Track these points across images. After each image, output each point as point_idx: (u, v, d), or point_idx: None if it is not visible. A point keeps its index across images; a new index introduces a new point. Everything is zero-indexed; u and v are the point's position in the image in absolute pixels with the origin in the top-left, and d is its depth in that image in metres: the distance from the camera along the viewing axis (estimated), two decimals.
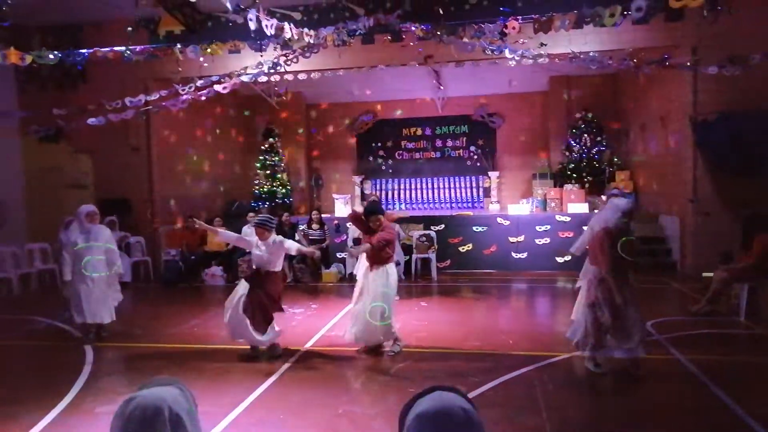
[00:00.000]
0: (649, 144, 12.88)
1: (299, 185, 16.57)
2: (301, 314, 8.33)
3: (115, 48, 8.78)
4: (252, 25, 6.98)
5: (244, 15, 6.90)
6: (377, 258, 6.18)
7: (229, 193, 15.53)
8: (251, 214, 11.59)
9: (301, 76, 11.37)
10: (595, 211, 11.92)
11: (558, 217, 12.03)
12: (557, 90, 15.38)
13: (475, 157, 16.42)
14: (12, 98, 12.00)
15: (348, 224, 10.05)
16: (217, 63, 10.58)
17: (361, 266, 6.93)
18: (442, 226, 12.10)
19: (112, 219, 10.63)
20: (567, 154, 14.72)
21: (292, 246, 6.43)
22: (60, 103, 10.58)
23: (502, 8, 9.70)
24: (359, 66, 11.04)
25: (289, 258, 10.84)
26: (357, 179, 16.65)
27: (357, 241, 9.87)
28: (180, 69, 10.07)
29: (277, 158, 15.72)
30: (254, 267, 6.29)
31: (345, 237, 12.00)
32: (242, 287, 6.14)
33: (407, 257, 11.22)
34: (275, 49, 9.35)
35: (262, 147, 15.83)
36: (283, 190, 15.54)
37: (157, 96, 9.46)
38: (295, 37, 7.85)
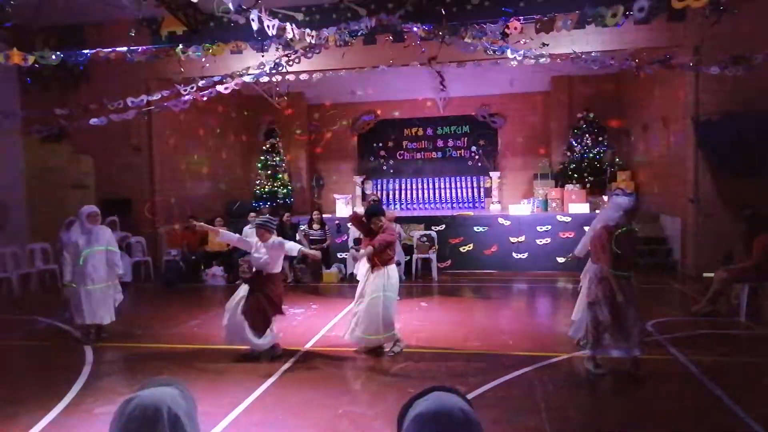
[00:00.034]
0: (650, 144, 12.87)
1: (298, 185, 16.57)
2: (301, 314, 8.34)
3: (118, 48, 8.79)
4: (254, 26, 6.98)
5: (246, 15, 6.91)
6: (378, 259, 6.18)
7: (231, 193, 15.54)
8: (252, 214, 11.60)
9: (303, 77, 11.37)
10: (597, 211, 11.93)
11: (559, 218, 12.02)
12: (559, 90, 15.38)
13: (477, 157, 16.42)
14: (14, 98, 12.02)
15: (348, 224, 10.05)
16: (219, 63, 10.59)
17: (361, 267, 6.93)
18: (443, 226, 12.10)
19: (113, 219, 10.64)
20: (568, 154, 14.71)
21: (294, 247, 6.43)
22: (62, 103, 10.60)
23: (503, 8, 9.69)
24: (361, 66, 11.04)
25: (289, 258, 10.85)
26: (358, 179, 16.67)
27: (358, 241, 9.86)
28: (182, 69, 10.08)
29: (278, 158, 15.74)
30: (254, 269, 6.29)
31: (346, 237, 12.01)
32: (243, 290, 6.15)
33: (408, 257, 11.22)
34: (277, 49, 9.35)
35: (264, 147, 15.84)
36: (284, 191, 15.56)
37: (159, 96, 9.47)
38: (297, 38, 7.85)
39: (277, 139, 15.92)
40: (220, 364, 6.03)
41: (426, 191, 16.64)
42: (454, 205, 16.16)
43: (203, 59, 9.44)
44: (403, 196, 16.72)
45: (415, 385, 5.06)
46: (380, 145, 17.00)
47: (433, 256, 11.38)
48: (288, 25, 7.58)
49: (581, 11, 7.75)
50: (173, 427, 1.32)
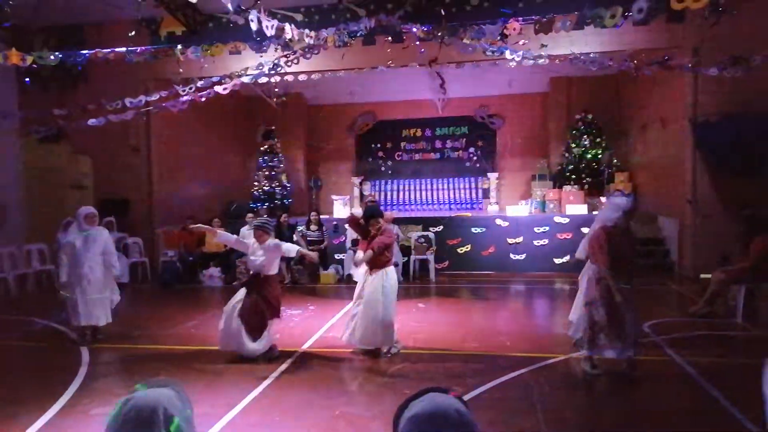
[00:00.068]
0: (648, 145, 12.89)
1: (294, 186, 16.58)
2: (298, 315, 8.33)
3: (116, 49, 8.79)
4: (253, 26, 6.98)
5: (245, 16, 6.90)
6: (376, 262, 6.17)
7: (228, 194, 15.54)
8: (250, 215, 11.60)
9: (302, 77, 11.38)
10: (594, 212, 11.95)
11: (557, 219, 12.03)
12: (557, 91, 15.40)
13: (475, 158, 16.43)
14: (13, 98, 12.00)
15: (346, 226, 10.05)
16: (218, 64, 10.59)
17: (359, 268, 6.93)
18: (441, 227, 12.11)
19: (110, 220, 10.63)
20: (566, 155, 14.73)
21: (292, 248, 6.43)
22: (60, 103, 10.59)
23: (502, 9, 9.70)
24: (360, 67, 11.05)
25: (286, 259, 10.84)
26: (356, 180, 16.67)
27: (356, 242, 9.86)
28: (181, 70, 10.08)
29: (276, 159, 15.74)
30: (251, 272, 6.28)
31: (343, 238, 12.00)
32: (241, 293, 6.16)
33: (405, 258, 11.22)
34: (276, 50, 9.35)
35: (262, 148, 15.84)
36: (282, 191, 15.55)
37: (158, 97, 9.47)
38: (296, 38, 7.85)
39: (276, 139, 15.92)
40: (217, 365, 6.01)
41: (424, 192, 16.66)
42: (452, 206, 16.17)
43: (202, 60, 9.44)
44: (401, 197, 16.73)
45: (413, 387, 5.06)
46: (378, 146, 17.01)
47: (430, 257, 11.38)
48: (287, 26, 7.57)
49: (580, 12, 7.76)
50: (169, 427, 1.31)
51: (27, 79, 11.63)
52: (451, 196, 16.49)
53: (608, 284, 5.23)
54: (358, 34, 8.97)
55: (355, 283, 6.88)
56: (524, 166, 15.85)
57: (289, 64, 9.26)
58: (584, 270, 5.96)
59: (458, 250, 12.07)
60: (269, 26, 7.22)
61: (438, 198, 16.54)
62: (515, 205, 13.13)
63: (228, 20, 10.52)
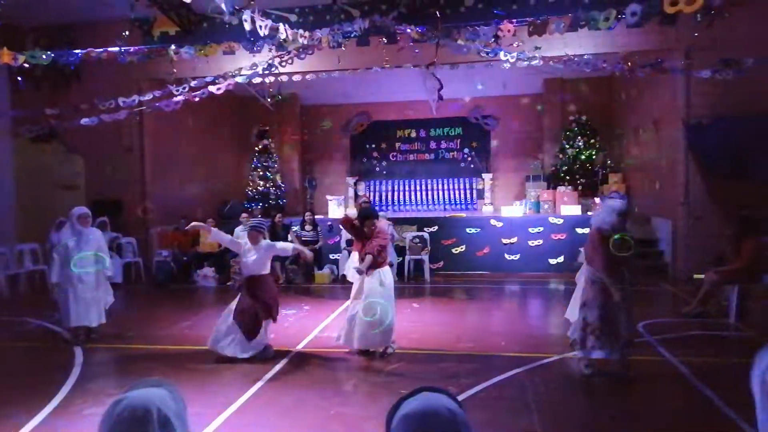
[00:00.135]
0: (642, 146, 12.95)
1: (291, 187, 16.56)
2: (293, 316, 8.32)
3: (109, 48, 8.74)
4: (247, 26, 6.96)
5: (238, 16, 6.89)
6: (373, 263, 6.17)
7: (222, 194, 15.49)
8: (244, 215, 11.57)
9: (296, 78, 11.37)
10: (589, 213, 12.00)
11: (551, 219, 12.07)
12: (551, 92, 15.45)
13: (469, 159, 16.45)
14: (4, 98, 11.92)
15: (340, 226, 10.04)
16: (212, 64, 10.56)
17: (353, 268, 6.92)
18: (436, 227, 12.12)
19: (103, 220, 10.58)
20: (560, 156, 14.78)
21: (287, 246, 6.43)
22: (53, 102, 10.53)
23: (495, 11, 9.72)
24: (354, 68, 11.04)
25: (281, 259, 10.82)
26: (351, 180, 16.66)
27: (350, 243, 9.87)
28: (175, 70, 10.04)
29: (270, 159, 15.71)
30: (245, 275, 6.27)
31: (338, 238, 11.99)
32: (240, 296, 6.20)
33: (400, 259, 11.22)
34: (270, 50, 9.34)
35: (256, 148, 15.81)
36: (277, 192, 15.53)
37: (151, 96, 9.43)
38: (290, 38, 7.84)
39: (270, 140, 15.89)
40: (211, 365, 6.00)
41: (418, 193, 16.66)
42: (447, 206, 16.18)
43: (195, 60, 9.41)
44: (395, 197, 16.72)
45: (407, 386, 5.03)
46: (373, 146, 17.00)
47: (425, 257, 11.39)
48: (281, 26, 7.56)
49: (574, 14, 7.79)
50: (163, 428, 1.31)
51: (19, 78, 11.55)
52: (446, 196, 16.50)
53: (603, 286, 5.25)
54: (352, 35, 8.97)
55: (350, 283, 6.87)
56: (518, 167, 15.89)
57: (283, 64, 9.24)
58: (580, 271, 5.98)
59: (453, 251, 12.09)
60: (263, 26, 7.21)
61: (432, 198, 16.55)
62: (510, 206, 13.16)
63: (222, 20, 10.51)
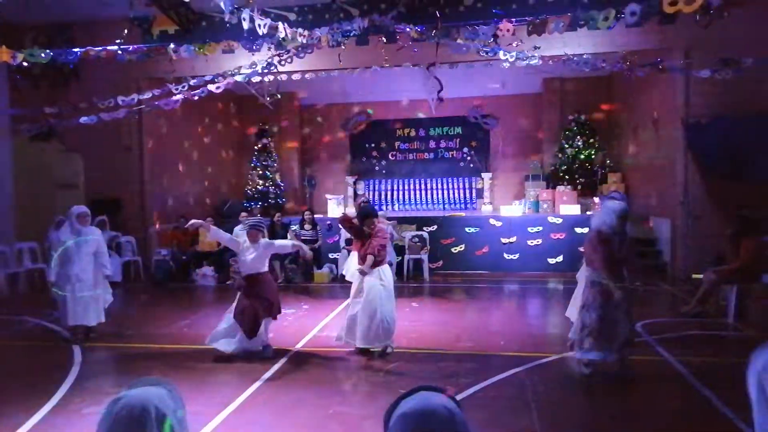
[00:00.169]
0: (641, 146, 12.95)
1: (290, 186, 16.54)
2: (292, 315, 8.31)
3: (108, 47, 8.73)
4: (245, 25, 6.95)
5: (238, 15, 6.88)
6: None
7: (222, 193, 15.49)
8: (243, 214, 11.56)
9: (295, 77, 11.36)
10: (588, 212, 12.01)
11: (550, 219, 12.07)
12: (550, 92, 15.45)
13: (468, 158, 16.45)
14: (3, 96, 11.90)
15: (339, 225, 10.05)
16: (211, 63, 10.55)
17: (351, 267, 6.91)
18: (435, 227, 12.12)
19: (102, 219, 10.57)
20: (559, 155, 14.78)
21: (286, 243, 6.44)
22: (51, 101, 10.52)
23: (494, 11, 9.71)
24: (353, 67, 11.04)
25: (280, 258, 10.82)
26: (350, 180, 16.65)
27: (349, 242, 9.86)
28: (174, 69, 10.03)
29: (270, 158, 15.70)
30: (244, 273, 6.27)
31: (337, 237, 11.99)
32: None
33: (399, 258, 11.22)
34: (269, 49, 9.33)
35: (255, 147, 15.80)
36: (276, 191, 15.52)
37: (150, 95, 9.42)
38: (289, 37, 7.83)
39: (269, 138, 15.89)
40: (210, 364, 6.00)
41: (418, 192, 16.65)
42: (446, 205, 16.18)
43: (194, 58, 9.39)
44: (395, 196, 16.71)
45: (406, 386, 5.03)
46: (372, 145, 16.99)
47: (424, 256, 11.39)
48: (279, 24, 7.56)
49: (573, 14, 7.78)
50: (161, 427, 1.31)
51: (18, 77, 11.54)
52: (445, 195, 16.49)
53: (603, 288, 5.25)
54: (352, 34, 8.95)
55: (349, 282, 6.87)
56: (518, 167, 15.89)
57: (283, 63, 9.23)
58: (580, 272, 5.98)
59: (452, 250, 12.09)
60: (261, 25, 7.20)
61: (432, 198, 16.54)
62: (509, 205, 13.16)
63: (221, 19, 10.48)
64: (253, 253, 6.16)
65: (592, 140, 14.58)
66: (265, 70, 9.35)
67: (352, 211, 11.77)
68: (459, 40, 8.28)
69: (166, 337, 7.18)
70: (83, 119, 9.16)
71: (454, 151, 16.64)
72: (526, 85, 15.11)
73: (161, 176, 12.97)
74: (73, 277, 6.81)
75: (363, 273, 6.14)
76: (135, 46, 9.00)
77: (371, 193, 16.60)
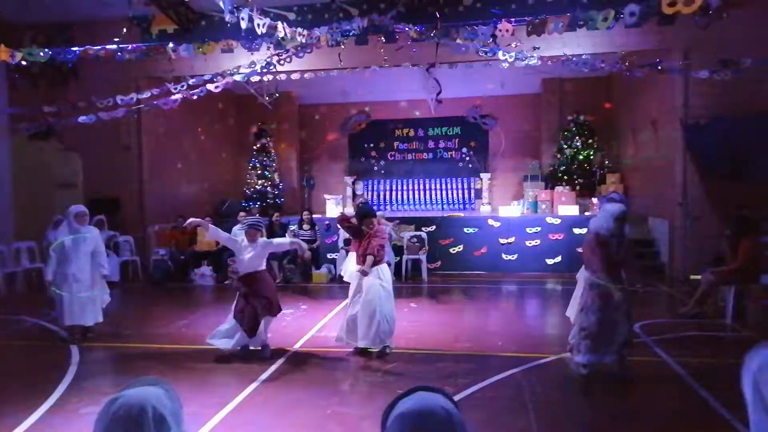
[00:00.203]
0: (639, 147, 12.96)
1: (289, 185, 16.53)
2: (290, 315, 8.31)
3: (107, 46, 8.72)
4: (244, 24, 6.95)
5: (237, 14, 6.88)
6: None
7: (220, 193, 15.48)
8: (242, 214, 11.56)
9: (294, 76, 11.36)
10: (586, 213, 12.01)
11: (548, 220, 12.07)
12: (549, 92, 15.45)
13: (467, 158, 16.46)
14: (2, 95, 11.88)
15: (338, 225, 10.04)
16: (210, 62, 10.54)
17: (349, 267, 6.90)
18: (433, 227, 12.12)
19: (101, 218, 10.56)
20: (558, 156, 14.79)
21: (284, 241, 6.44)
22: (50, 100, 10.50)
23: (494, 11, 9.71)
24: (353, 67, 11.04)
25: (279, 258, 10.82)
26: (349, 180, 16.65)
27: (348, 242, 9.85)
28: (173, 69, 10.02)
29: (268, 158, 15.69)
30: (242, 273, 6.27)
31: (336, 237, 11.98)
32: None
33: (398, 258, 11.21)
34: (268, 48, 9.32)
35: (254, 147, 15.79)
36: (275, 190, 15.51)
37: (149, 94, 9.41)
38: (288, 37, 7.83)
39: (268, 138, 15.88)
40: (209, 364, 5.99)
41: (417, 192, 16.66)
42: (445, 206, 16.18)
43: (194, 58, 9.38)
44: (393, 196, 16.72)
45: (404, 386, 5.03)
46: (371, 145, 16.99)
47: (423, 257, 11.39)
48: (279, 24, 7.55)
49: (572, 14, 7.79)
50: (158, 426, 1.30)
51: (17, 76, 11.52)
52: (444, 196, 16.50)
53: (601, 291, 5.25)
54: (351, 34, 8.95)
55: (348, 283, 6.87)
56: (516, 167, 15.90)
57: (282, 62, 9.23)
58: (579, 273, 5.98)
59: (450, 250, 12.09)
60: (261, 24, 7.19)
61: (430, 198, 16.54)
62: (507, 206, 13.16)
63: (220, 18, 10.48)
64: (251, 252, 6.16)
65: (590, 141, 14.59)
66: (264, 70, 9.34)
67: (350, 211, 11.76)
68: (458, 40, 8.28)
69: (164, 337, 7.17)
70: (82, 118, 9.15)
71: (453, 152, 16.65)
72: (525, 85, 15.12)
73: (160, 176, 12.96)
74: (71, 276, 6.80)
75: (364, 273, 6.13)
76: (134, 46, 9.00)
77: (370, 193, 16.61)
